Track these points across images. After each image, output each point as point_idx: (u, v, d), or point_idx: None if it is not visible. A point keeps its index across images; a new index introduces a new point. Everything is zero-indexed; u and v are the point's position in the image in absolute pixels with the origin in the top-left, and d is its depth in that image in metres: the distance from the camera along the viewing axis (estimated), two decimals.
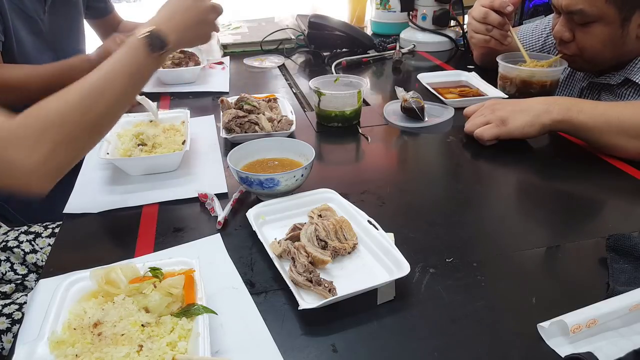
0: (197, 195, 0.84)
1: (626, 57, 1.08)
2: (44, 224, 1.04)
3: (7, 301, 0.90)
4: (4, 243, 0.98)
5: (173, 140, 0.98)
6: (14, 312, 0.86)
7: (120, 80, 0.72)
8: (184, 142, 0.95)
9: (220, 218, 0.77)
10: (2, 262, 0.97)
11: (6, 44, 1.20)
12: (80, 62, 1.20)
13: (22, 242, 0.98)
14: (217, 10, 0.87)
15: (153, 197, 0.85)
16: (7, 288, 0.95)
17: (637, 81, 1.05)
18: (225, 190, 0.86)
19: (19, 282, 0.97)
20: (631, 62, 1.07)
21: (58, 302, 0.57)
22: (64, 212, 0.82)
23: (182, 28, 0.81)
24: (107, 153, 0.91)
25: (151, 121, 1.06)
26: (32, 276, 0.97)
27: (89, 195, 0.87)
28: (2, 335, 0.83)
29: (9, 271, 0.97)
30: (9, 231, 1.02)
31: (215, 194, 0.83)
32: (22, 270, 0.97)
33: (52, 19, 1.34)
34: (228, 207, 0.80)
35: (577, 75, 1.27)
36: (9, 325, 0.84)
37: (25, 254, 0.98)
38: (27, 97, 1.20)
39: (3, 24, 1.18)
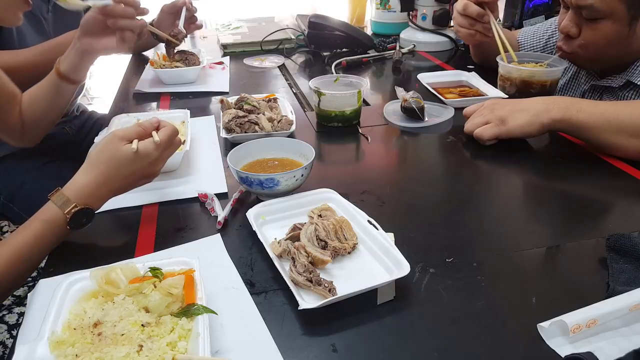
0: (197, 195, 0.84)
1: (629, 57, 1.07)
2: None
3: (23, 309, 0.90)
4: None
5: None
6: None
7: (35, 258, 0.68)
8: (184, 142, 0.95)
9: (220, 218, 0.77)
10: None
11: (7, 41, 1.20)
12: (66, 39, 1.20)
13: None
14: (161, 165, 0.78)
15: (153, 197, 0.85)
16: (20, 291, 0.95)
17: (639, 83, 1.05)
18: (225, 190, 0.86)
19: (31, 284, 0.97)
20: (633, 65, 1.07)
21: (58, 302, 0.57)
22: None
23: (113, 193, 0.74)
24: None
25: None
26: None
27: None
28: None
29: None
30: (9, 231, 1.02)
31: (215, 194, 0.83)
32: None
33: (55, 18, 1.34)
34: (228, 207, 0.80)
35: (579, 79, 1.27)
36: None
37: None
38: (18, 84, 1.20)
39: None
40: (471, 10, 1.23)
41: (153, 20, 1.56)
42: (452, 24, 1.69)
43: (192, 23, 1.54)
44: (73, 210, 0.68)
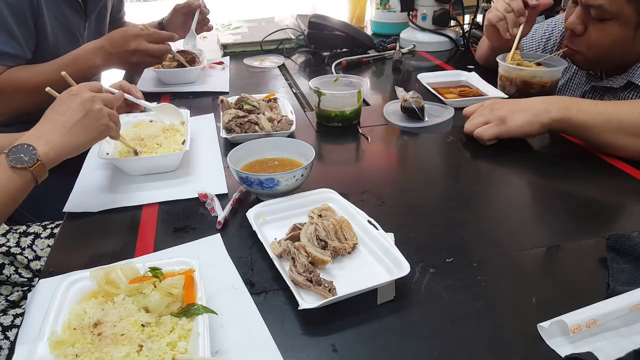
0: (197, 196, 0.84)
1: (630, 60, 1.07)
2: (43, 224, 1.04)
3: (18, 311, 0.90)
4: (6, 248, 0.98)
5: (173, 140, 0.98)
6: None
7: None
8: (183, 142, 0.95)
9: (220, 218, 0.77)
10: (6, 265, 0.97)
11: (44, 58, 1.21)
12: (82, 52, 1.21)
13: (24, 249, 0.98)
14: (101, 98, 0.79)
15: (153, 197, 0.85)
16: (15, 296, 0.95)
17: None
18: (226, 191, 0.86)
19: (25, 288, 0.97)
20: (634, 66, 1.07)
21: (58, 302, 0.57)
22: (63, 210, 0.82)
23: (58, 133, 0.74)
24: (107, 153, 0.91)
25: (151, 121, 1.06)
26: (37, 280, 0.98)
27: (89, 194, 0.87)
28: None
29: (13, 274, 0.97)
30: (7, 232, 1.02)
31: (215, 194, 0.83)
32: (27, 274, 0.98)
33: (89, 36, 1.36)
34: (228, 207, 0.80)
35: (579, 79, 1.27)
36: None
37: (29, 261, 0.98)
38: (39, 101, 1.21)
39: (38, 40, 1.19)
40: (515, 4, 1.21)
41: (164, 18, 1.56)
42: (452, 23, 1.69)
43: (205, 25, 1.55)
44: (12, 146, 0.69)
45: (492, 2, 1.32)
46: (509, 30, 1.24)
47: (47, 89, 0.82)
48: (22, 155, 0.69)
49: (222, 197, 0.84)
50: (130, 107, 1.08)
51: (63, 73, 0.85)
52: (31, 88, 1.16)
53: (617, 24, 1.02)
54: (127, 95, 1.04)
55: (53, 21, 1.22)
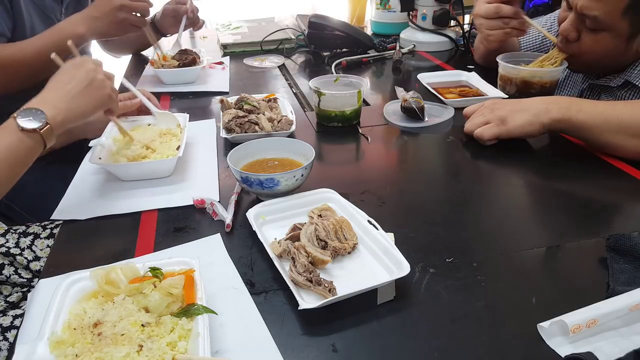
0: (192, 203, 0.82)
1: (622, 64, 1.08)
2: (43, 224, 1.04)
3: (18, 312, 0.90)
4: (5, 248, 0.98)
5: (168, 145, 0.96)
6: None
7: None
8: (178, 148, 0.92)
9: (229, 221, 0.76)
10: (6, 266, 0.97)
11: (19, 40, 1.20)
12: (67, 24, 1.20)
13: (24, 250, 0.98)
14: (101, 71, 0.83)
15: (147, 204, 0.83)
16: (14, 297, 0.95)
17: (637, 84, 1.05)
18: (217, 199, 0.84)
19: (25, 288, 0.97)
20: (631, 65, 1.07)
21: (58, 302, 0.57)
22: (51, 217, 0.81)
23: (64, 99, 0.77)
24: (100, 158, 0.89)
25: (149, 124, 1.05)
26: (37, 281, 0.97)
27: (80, 201, 0.85)
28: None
29: (13, 274, 0.97)
30: (6, 232, 1.01)
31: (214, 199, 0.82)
32: (26, 274, 0.97)
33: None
34: (231, 208, 0.79)
35: (576, 77, 1.27)
36: None
37: (29, 261, 0.98)
38: (27, 75, 1.18)
39: (14, 22, 1.18)
40: (507, 11, 1.20)
41: (155, 16, 1.56)
42: (452, 23, 1.69)
43: (196, 24, 1.56)
44: (20, 110, 0.71)
45: None
46: (522, 30, 1.23)
47: (53, 55, 0.85)
48: (32, 118, 0.71)
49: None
50: (138, 110, 1.08)
51: (53, 56, 0.86)
52: (15, 64, 1.13)
53: (609, 35, 1.02)
54: (142, 98, 1.05)
55: (27, 1, 1.20)
